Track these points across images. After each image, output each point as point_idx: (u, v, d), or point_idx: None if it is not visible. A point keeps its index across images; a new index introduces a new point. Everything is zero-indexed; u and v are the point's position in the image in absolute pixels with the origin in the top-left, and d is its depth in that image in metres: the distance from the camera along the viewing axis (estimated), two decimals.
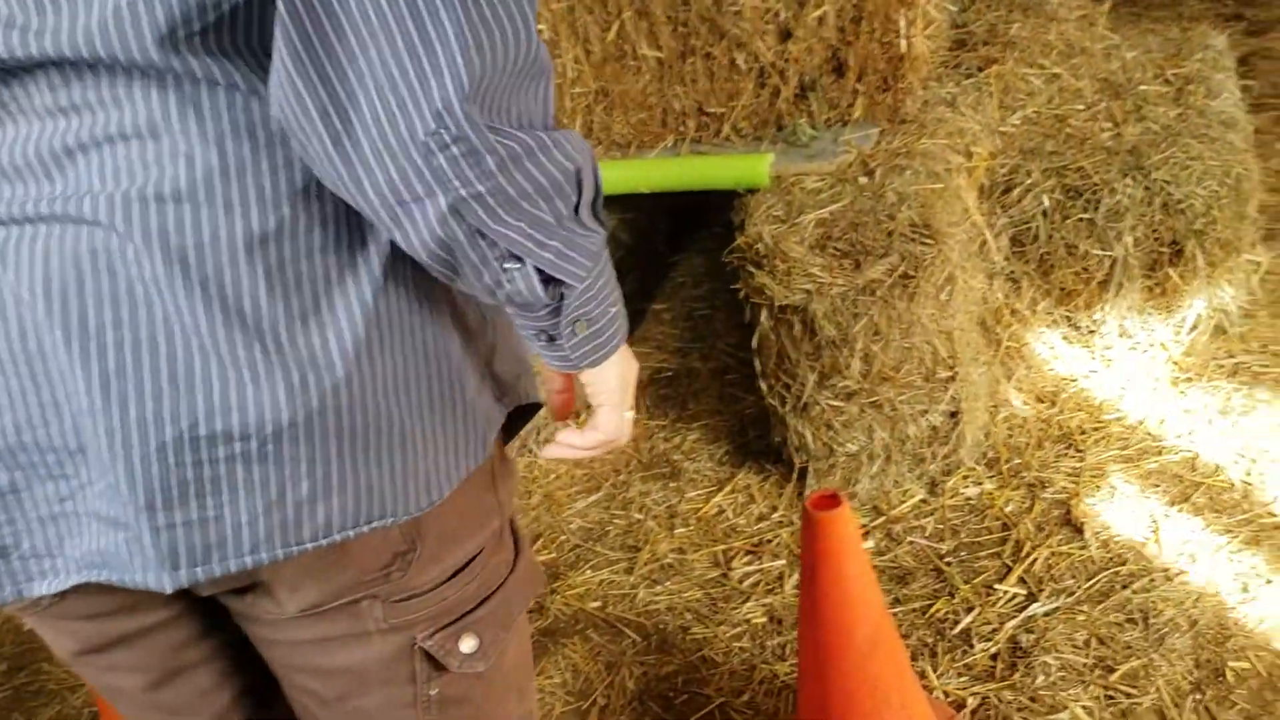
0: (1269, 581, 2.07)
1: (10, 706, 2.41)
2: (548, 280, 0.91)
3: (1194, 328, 2.70)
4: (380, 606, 1.00)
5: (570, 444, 1.17)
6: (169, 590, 0.91)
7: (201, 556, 0.90)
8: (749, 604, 2.25)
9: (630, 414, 1.15)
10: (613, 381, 1.09)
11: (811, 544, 1.63)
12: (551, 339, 0.99)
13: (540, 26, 2.80)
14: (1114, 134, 2.83)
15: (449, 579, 1.03)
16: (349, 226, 0.90)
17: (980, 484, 2.43)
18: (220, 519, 0.89)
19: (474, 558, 1.05)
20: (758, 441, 2.70)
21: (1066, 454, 2.47)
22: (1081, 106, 3.00)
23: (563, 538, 2.53)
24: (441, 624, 1.04)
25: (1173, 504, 2.29)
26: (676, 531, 2.49)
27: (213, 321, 0.85)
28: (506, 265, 0.88)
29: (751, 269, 2.42)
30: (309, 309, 0.88)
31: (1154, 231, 2.63)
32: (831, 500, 1.59)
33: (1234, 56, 3.87)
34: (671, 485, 2.64)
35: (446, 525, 1.02)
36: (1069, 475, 2.41)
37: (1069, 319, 2.79)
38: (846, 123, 2.78)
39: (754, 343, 2.48)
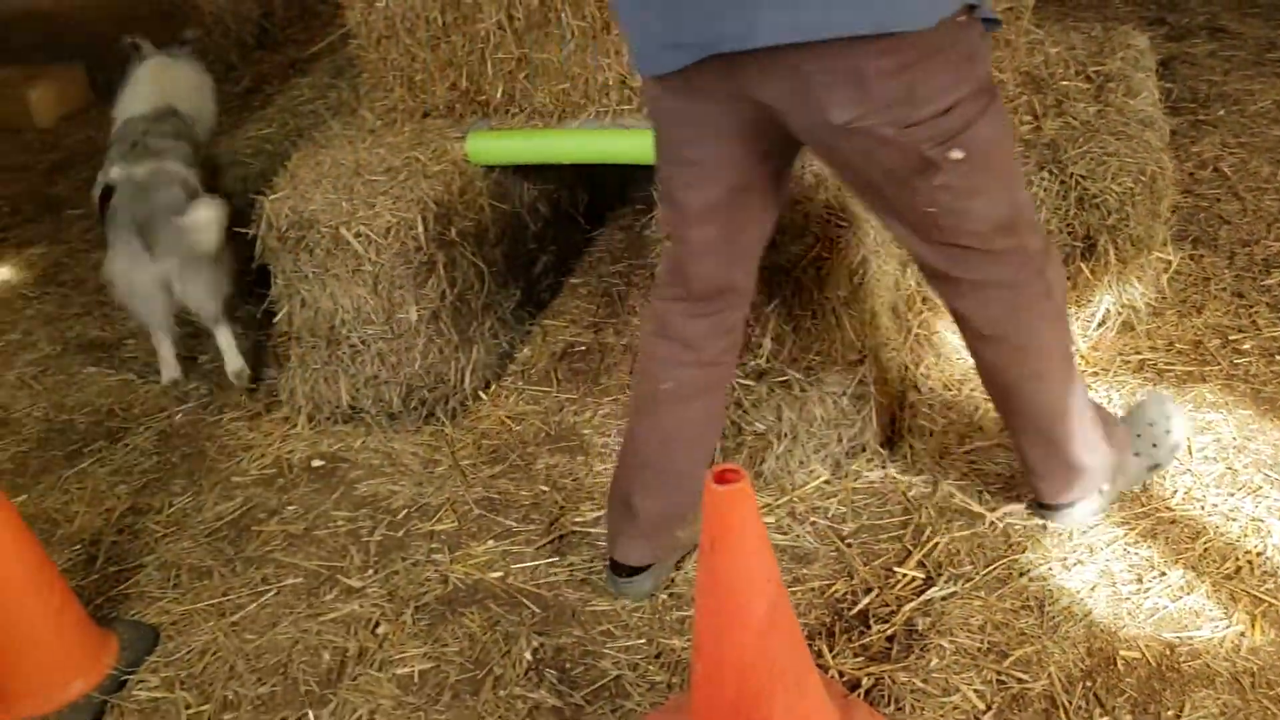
0: (1163, 573, 2.10)
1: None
2: None
3: (1102, 323, 2.74)
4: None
5: None
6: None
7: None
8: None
9: None
10: None
11: (712, 519, 1.61)
12: None
13: None
14: (1034, 127, 2.85)
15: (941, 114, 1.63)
16: None
17: (884, 468, 2.44)
18: None
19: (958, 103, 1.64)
20: None
21: (970, 441, 2.48)
22: (1004, 99, 3.02)
23: (466, 507, 2.49)
24: (938, 141, 1.65)
25: None
26: (581, 505, 2.46)
27: None
28: None
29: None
30: None
31: (1068, 225, 2.65)
32: (733, 475, 1.57)
33: (1155, 58, 3.94)
34: (579, 459, 2.61)
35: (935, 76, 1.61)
36: (971, 462, 2.42)
37: None
38: None
39: None
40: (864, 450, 2.46)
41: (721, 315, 2.00)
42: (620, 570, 2.17)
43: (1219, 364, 2.64)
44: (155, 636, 2.25)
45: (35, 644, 2.06)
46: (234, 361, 2.95)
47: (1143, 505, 2.27)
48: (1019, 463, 2.23)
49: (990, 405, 2.57)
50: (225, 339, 2.95)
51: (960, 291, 1.91)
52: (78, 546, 2.54)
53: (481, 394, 2.84)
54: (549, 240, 3.26)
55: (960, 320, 1.99)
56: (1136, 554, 2.15)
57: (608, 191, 3.66)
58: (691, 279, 1.95)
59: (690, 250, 1.93)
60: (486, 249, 2.88)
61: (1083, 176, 2.64)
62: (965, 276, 1.87)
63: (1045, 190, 2.64)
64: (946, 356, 2.75)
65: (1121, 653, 1.96)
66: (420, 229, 2.61)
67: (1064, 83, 3.05)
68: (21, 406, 3.11)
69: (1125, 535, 2.20)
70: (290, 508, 2.57)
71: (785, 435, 2.43)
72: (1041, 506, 2.25)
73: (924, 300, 2.81)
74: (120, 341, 3.37)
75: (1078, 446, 2.08)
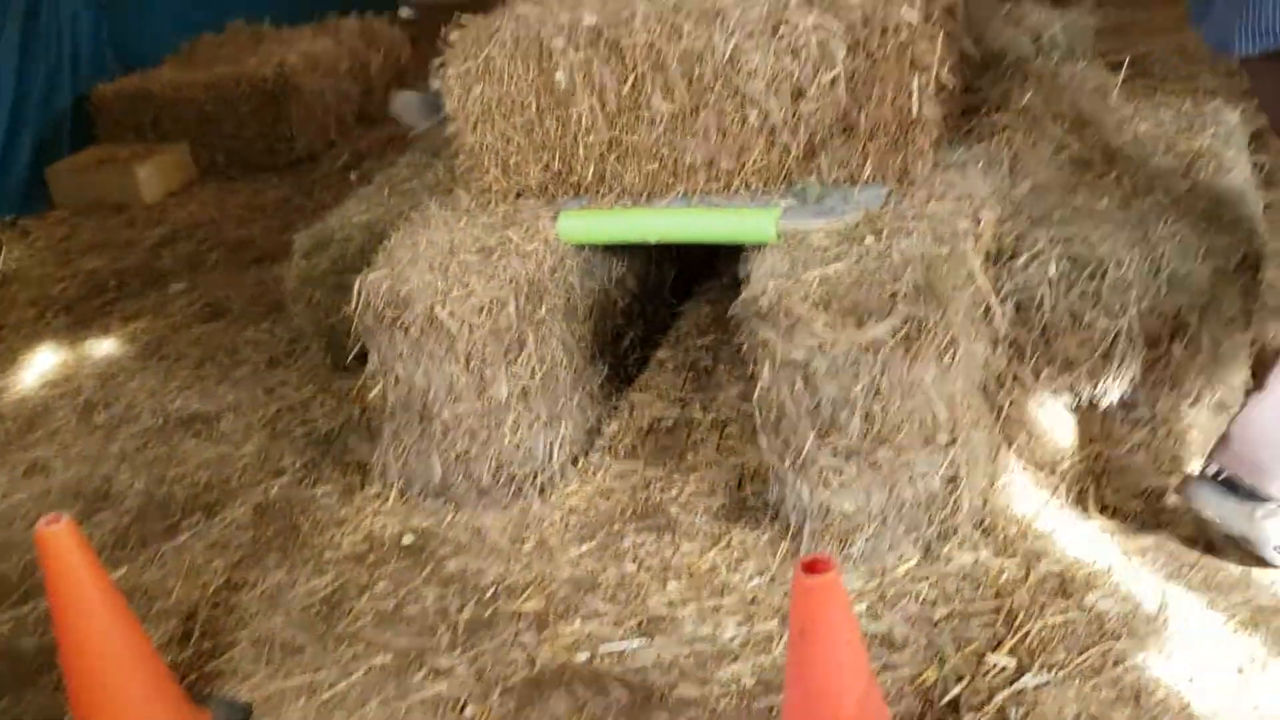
0: (1265, 666, 2.04)
1: None
2: None
3: (1195, 402, 2.69)
4: None
5: None
6: None
7: None
8: (738, 664, 2.22)
9: None
10: None
11: (801, 608, 1.62)
12: None
13: (557, 76, 2.82)
14: (1122, 205, 2.84)
15: None
16: None
17: (976, 551, 2.41)
18: None
19: None
20: (755, 497, 2.68)
21: (1065, 524, 2.45)
22: (1091, 176, 3.01)
23: (553, 586, 2.51)
24: None
25: (1171, 580, 2.27)
26: (669, 585, 2.47)
27: None
28: None
29: (756, 322, 2.42)
30: None
31: (1158, 306, 2.62)
32: (824, 565, 1.58)
33: (1247, 133, 3.89)
34: (666, 538, 2.62)
35: None
36: (1067, 546, 2.39)
37: (1072, 388, 2.78)
38: (856, 182, 2.80)
39: (755, 397, 2.48)
40: (955, 533, 2.44)
41: None
42: None
43: None
44: (248, 715, 2.29)
45: None
46: None
47: (1242, 593, 2.21)
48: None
49: (1085, 486, 2.54)
50: None
51: None
52: (174, 621, 2.61)
53: (569, 470, 2.88)
54: (636, 315, 3.31)
55: None
56: (1236, 644, 2.09)
57: (695, 266, 3.71)
58: None
59: None
60: (575, 325, 2.93)
61: (1173, 256, 2.62)
62: None
63: (1134, 270, 2.62)
64: (1039, 437, 2.72)
65: None
66: (512, 307, 2.67)
67: (1153, 160, 3.04)
68: (123, 479, 3.22)
69: (1225, 624, 2.14)
70: (381, 584, 2.61)
71: (875, 517, 2.42)
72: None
73: (1015, 378, 2.80)
74: (219, 414, 3.48)
75: None
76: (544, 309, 2.77)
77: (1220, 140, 3.17)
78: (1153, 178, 2.95)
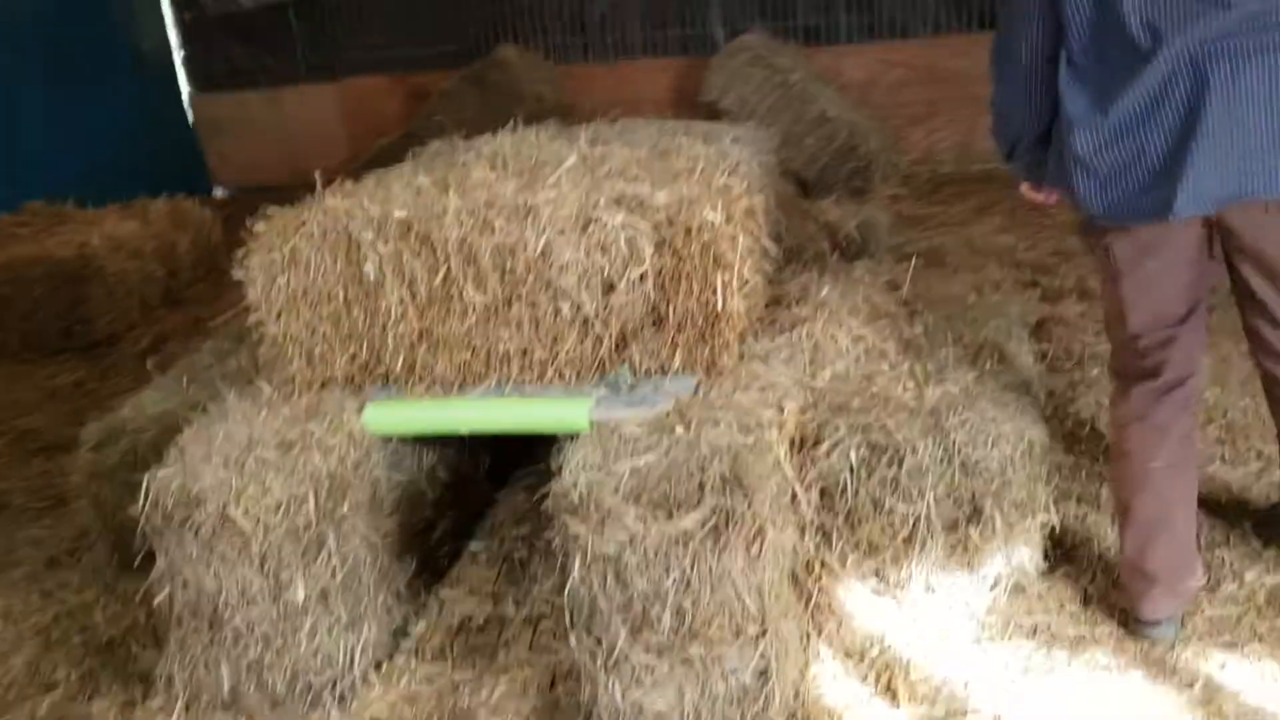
0: None
1: None
2: None
3: (993, 586, 2.78)
4: None
5: None
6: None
7: None
8: None
9: None
10: None
11: None
12: None
13: (366, 267, 2.81)
14: (916, 394, 2.97)
15: None
16: None
17: None
18: None
19: None
20: (568, 698, 2.60)
21: (876, 714, 2.45)
22: (886, 367, 3.16)
23: None
24: None
25: None
26: None
27: None
28: None
29: (565, 517, 2.39)
30: None
31: (954, 491, 2.73)
32: None
33: (1029, 322, 4.18)
34: None
35: None
36: None
37: (877, 573, 2.84)
38: (666, 372, 2.85)
39: (565, 593, 2.42)
40: None
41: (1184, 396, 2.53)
42: (1147, 623, 2.60)
43: (1108, 625, 2.67)
44: None
45: None
46: None
47: None
48: None
49: (892, 674, 2.56)
50: None
51: None
52: None
53: (372, 675, 2.73)
54: (448, 506, 3.23)
55: None
56: None
57: (512, 451, 3.67)
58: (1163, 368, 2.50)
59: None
60: (381, 520, 2.84)
61: (964, 443, 2.74)
62: None
63: (930, 457, 2.73)
64: (848, 624, 2.75)
65: None
66: (311, 505, 2.57)
67: (942, 350, 3.21)
68: None
69: None
70: None
71: (688, 715, 2.37)
72: None
73: (823, 565, 2.83)
74: None
75: None
76: (347, 505, 2.68)
77: (1003, 331, 3.39)
78: (942, 368, 3.11)
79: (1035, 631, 2.68)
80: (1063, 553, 2.95)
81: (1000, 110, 2.63)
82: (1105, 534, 3.02)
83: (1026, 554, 2.78)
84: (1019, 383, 3.08)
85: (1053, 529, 2.83)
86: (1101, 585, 2.81)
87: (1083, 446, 3.50)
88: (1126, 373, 2.59)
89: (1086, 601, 2.77)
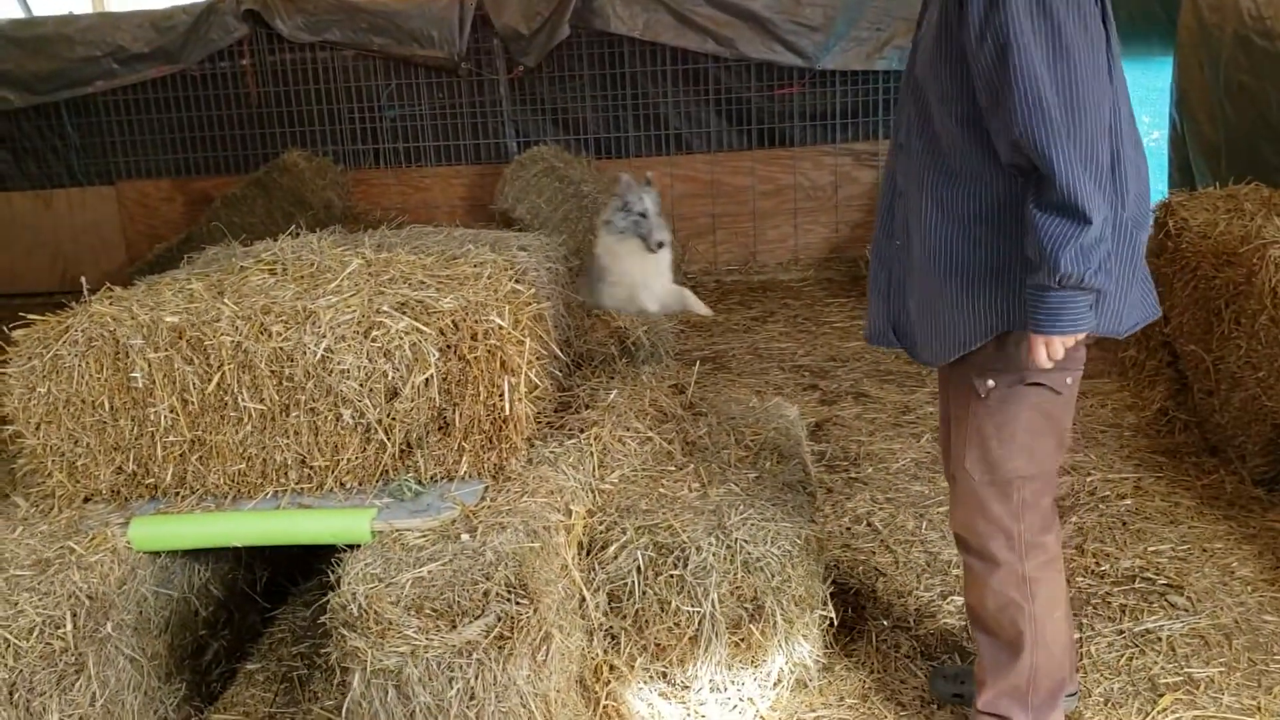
0: None
1: None
2: None
3: (777, 682, 2.84)
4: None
5: None
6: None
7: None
8: None
9: None
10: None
11: None
12: None
13: (134, 375, 2.69)
14: (700, 494, 3.05)
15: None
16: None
17: None
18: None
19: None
20: None
21: None
22: (673, 468, 3.23)
23: None
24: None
25: None
26: None
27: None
28: None
29: (344, 631, 2.32)
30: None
31: (737, 589, 2.79)
32: None
33: (808, 424, 4.36)
34: None
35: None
36: None
37: (664, 674, 2.86)
38: (453, 478, 2.83)
39: (344, 710, 2.34)
40: None
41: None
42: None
43: (890, 716, 2.77)
44: None
45: None
46: None
47: None
48: None
49: None
50: None
51: None
52: None
53: None
54: (222, 624, 3.07)
55: None
56: None
57: (292, 565, 3.54)
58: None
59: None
60: (148, 641, 2.68)
61: (746, 541, 2.82)
62: None
63: (715, 555, 2.79)
64: None
65: None
66: (69, 626, 2.40)
67: (724, 452, 3.31)
68: None
69: None
70: None
71: None
72: None
73: (611, 669, 2.83)
74: None
75: None
76: (110, 625, 2.52)
77: (781, 432, 3.53)
78: (725, 468, 3.21)
79: None
80: (841, 648, 3.05)
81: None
82: (881, 626, 3.14)
83: (806, 649, 2.86)
84: (797, 482, 3.20)
85: (831, 623, 2.93)
86: (880, 678, 2.92)
87: (859, 543, 3.65)
88: (1042, 509, 2.47)
89: (865, 695, 2.87)
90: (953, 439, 2.49)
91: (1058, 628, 2.51)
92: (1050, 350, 2.19)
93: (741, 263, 7.74)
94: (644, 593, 2.81)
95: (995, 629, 2.51)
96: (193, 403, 2.73)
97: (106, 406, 2.73)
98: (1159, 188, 6.19)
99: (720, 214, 7.64)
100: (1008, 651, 2.51)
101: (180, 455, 2.77)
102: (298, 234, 3.44)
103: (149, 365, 2.69)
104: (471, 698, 2.29)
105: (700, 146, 7.66)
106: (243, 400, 2.73)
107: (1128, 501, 3.84)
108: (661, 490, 3.10)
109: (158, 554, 2.73)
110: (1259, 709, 2.70)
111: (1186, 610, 3.15)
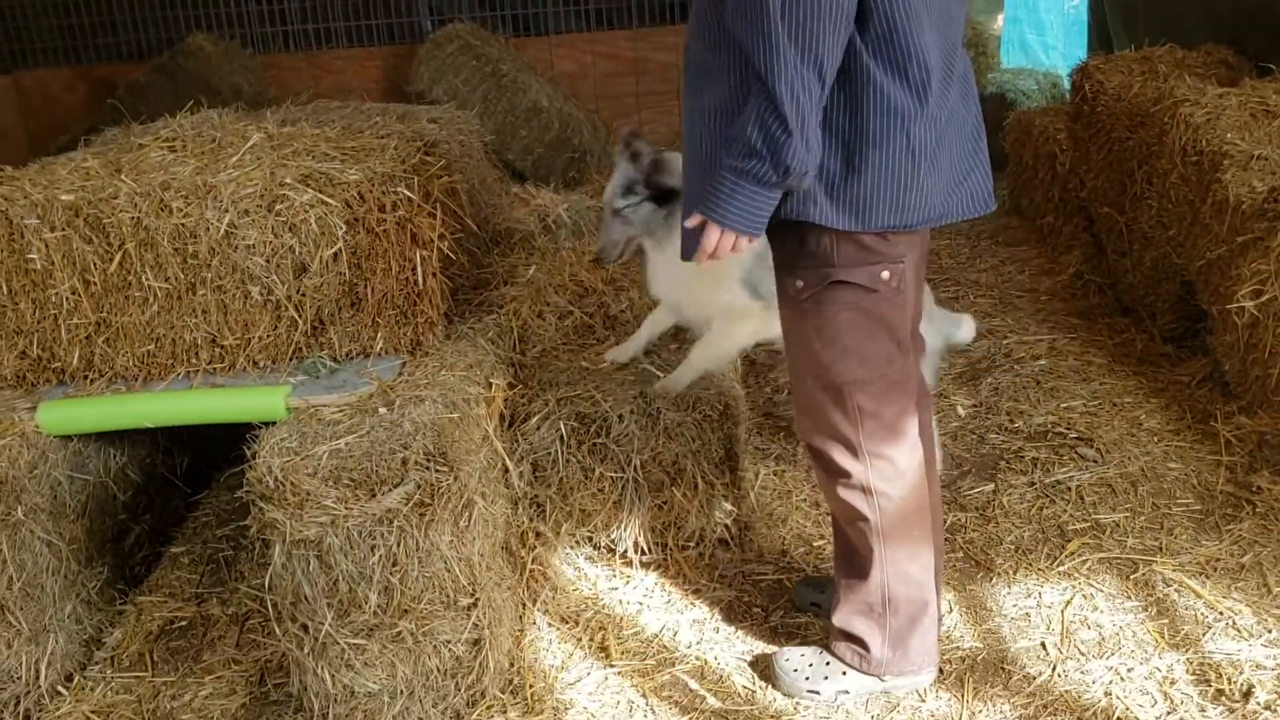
0: None
1: None
2: None
3: (700, 541, 2.90)
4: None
5: None
6: None
7: None
8: None
9: None
10: None
11: None
12: None
13: (31, 256, 2.61)
14: (620, 367, 3.06)
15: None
16: None
17: (505, 713, 2.40)
18: None
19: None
20: (278, 690, 2.51)
21: (589, 674, 2.50)
22: (593, 341, 3.23)
23: None
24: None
25: (685, 714, 2.37)
26: None
27: None
28: None
29: (261, 504, 2.31)
30: None
31: (658, 454, 2.82)
32: None
33: None
34: None
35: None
36: (591, 695, 2.44)
37: (590, 538, 2.90)
38: (368, 355, 2.80)
39: (267, 582, 2.34)
40: (484, 697, 2.42)
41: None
42: None
43: (803, 569, 2.84)
44: None
45: None
46: None
47: (751, 716, 2.36)
48: None
49: (606, 634, 2.62)
50: None
51: None
52: None
53: (62, 689, 2.54)
54: (143, 509, 3.05)
55: None
56: None
57: (212, 450, 3.50)
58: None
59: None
60: (65, 525, 2.65)
61: (666, 408, 2.84)
62: None
63: (635, 424, 2.81)
64: (563, 589, 2.79)
65: None
66: None
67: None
68: None
69: None
70: None
71: (401, 693, 2.34)
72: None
73: (537, 535, 2.87)
74: None
75: None
76: (21, 510, 2.48)
77: None
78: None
79: (741, 579, 2.82)
80: (761, 509, 3.11)
81: None
82: (801, 489, 3.21)
83: (728, 509, 2.92)
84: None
85: (752, 483, 2.98)
86: (797, 532, 2.99)
87: (780, 410, 3.71)
88: (885, 418, 2.22)
89: (784, 551, 2.94)
90: (785, 344, 2.31)
91: (915, 550, 2.30)
92: (708, 241, 2.00)
93: (668, 143, 7.63)
94: (567, 461, 2.83)
95: (846, 541, 2.36)
96: (95, 283, 2.65)
97: (5, 289, 2.65)
98: (1078, 53, 6.20)
99: (645, 93, 7.51)
100: (858, 568, 2.34)
101: (86, 338, 2.71)
102: (197, 111, 3.33)
103: (46, 246, 2.60)
104: (394, 564, 2.30)
105: (623, 22, 7.49)
106: (146, 279, 2.66)
107: (1042, 361, 3.93)
108: (583, 363, 3.10)
109: (69, 438, 2.68)
110: (1161, 549, 2.82)
111: (1095, 461, 3.25)
